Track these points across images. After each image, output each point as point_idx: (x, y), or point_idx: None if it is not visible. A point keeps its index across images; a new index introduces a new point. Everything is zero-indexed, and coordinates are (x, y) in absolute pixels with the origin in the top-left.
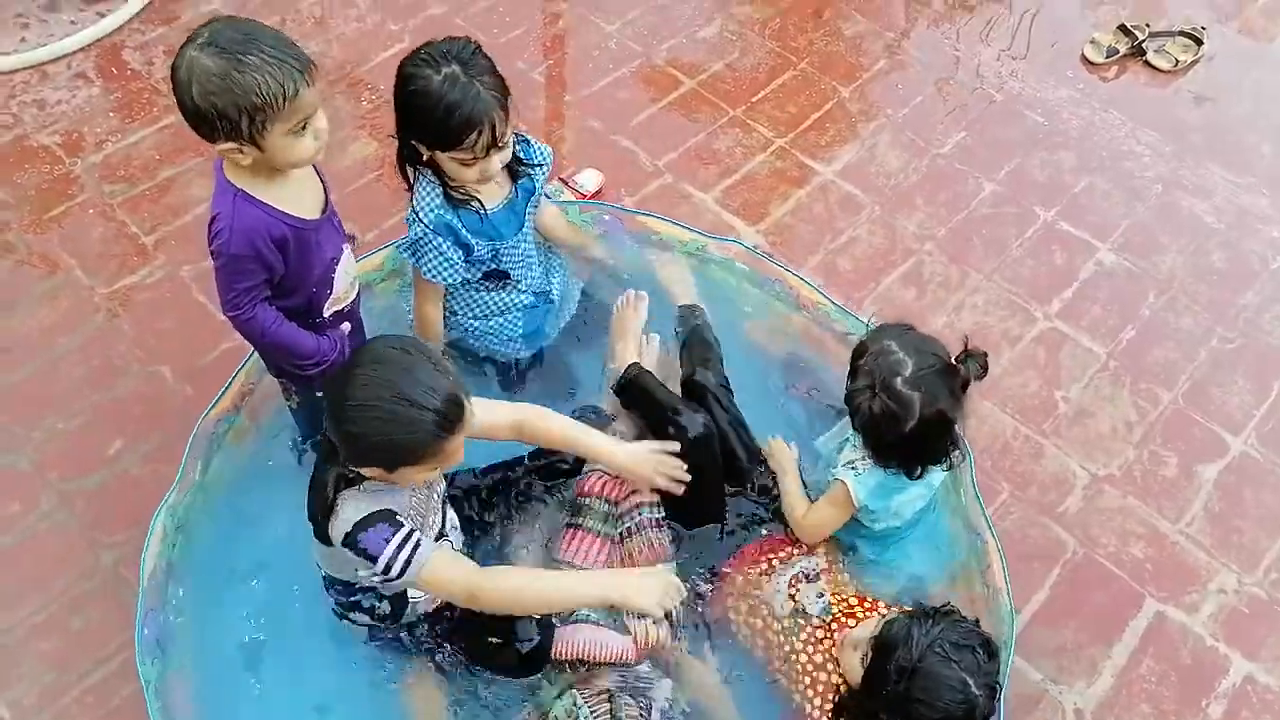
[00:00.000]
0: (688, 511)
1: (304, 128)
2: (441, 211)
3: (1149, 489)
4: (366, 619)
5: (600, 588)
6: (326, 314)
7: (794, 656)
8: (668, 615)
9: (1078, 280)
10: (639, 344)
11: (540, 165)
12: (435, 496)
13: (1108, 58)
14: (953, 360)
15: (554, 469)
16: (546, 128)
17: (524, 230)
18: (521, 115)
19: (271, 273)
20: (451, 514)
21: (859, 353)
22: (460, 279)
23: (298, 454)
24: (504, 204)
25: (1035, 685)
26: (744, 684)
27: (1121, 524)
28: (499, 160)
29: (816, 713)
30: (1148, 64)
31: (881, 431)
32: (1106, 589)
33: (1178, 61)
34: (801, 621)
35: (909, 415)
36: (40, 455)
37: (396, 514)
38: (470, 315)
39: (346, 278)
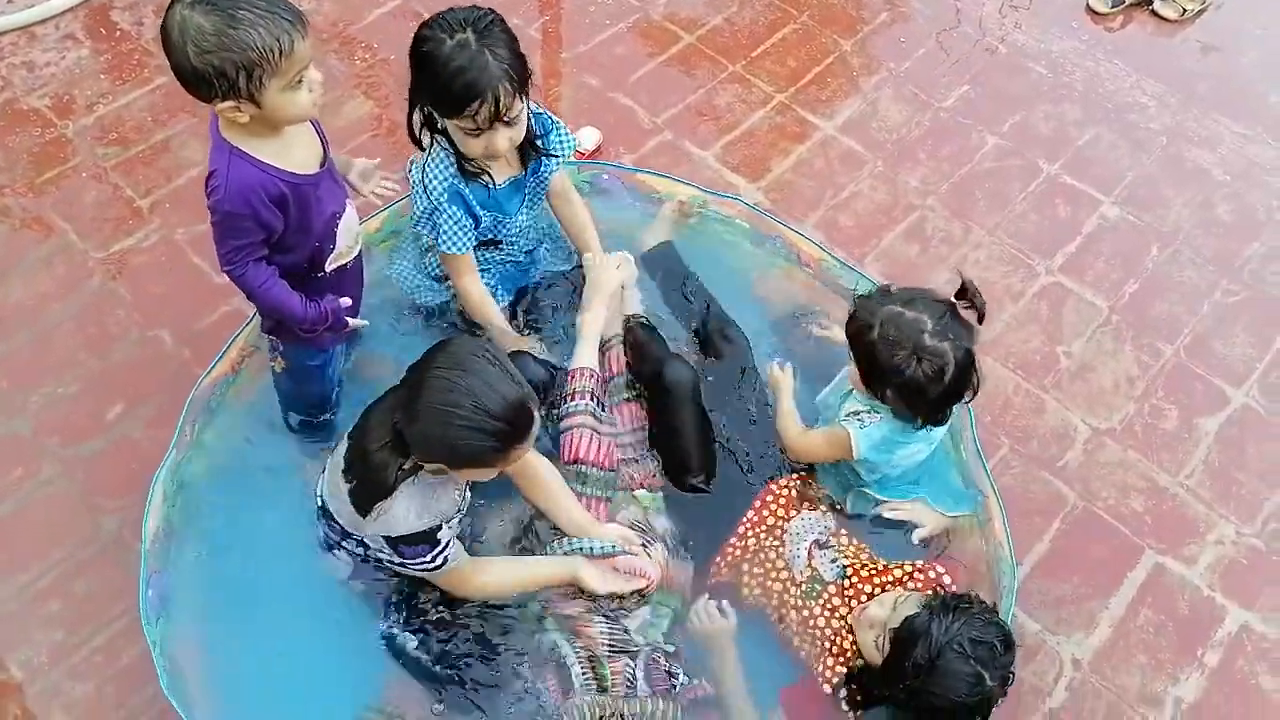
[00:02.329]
0: (677, 464)
1: (299, 82)
2: (454, 180)
3: (1150, 442)
4: (348, 557)
5: (565, 565)
6: (329, 269)
7: (812, 621)
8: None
9: (1081, 234)
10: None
11: (556, 157)
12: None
13: (1113, 7)
14: (954, 299)
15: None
16: (543, 85)
17: (528, 210)
18: None
19: (269, 231)
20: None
21: (862, 327)
22: (472, 244)
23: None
24: (509, 181)
25: (1034, 636)
26: (747, 636)
27: (1122, 477)
28: (506, 137)
29: (829, 672)
30: (1154, 13)
31: (928, 391)
32: (1106, 542)
33: (1185, 10)
34: (819, 587)
35: (949, 365)
36: (40, 421)
37: (439, 531)
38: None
39: (349, 234)
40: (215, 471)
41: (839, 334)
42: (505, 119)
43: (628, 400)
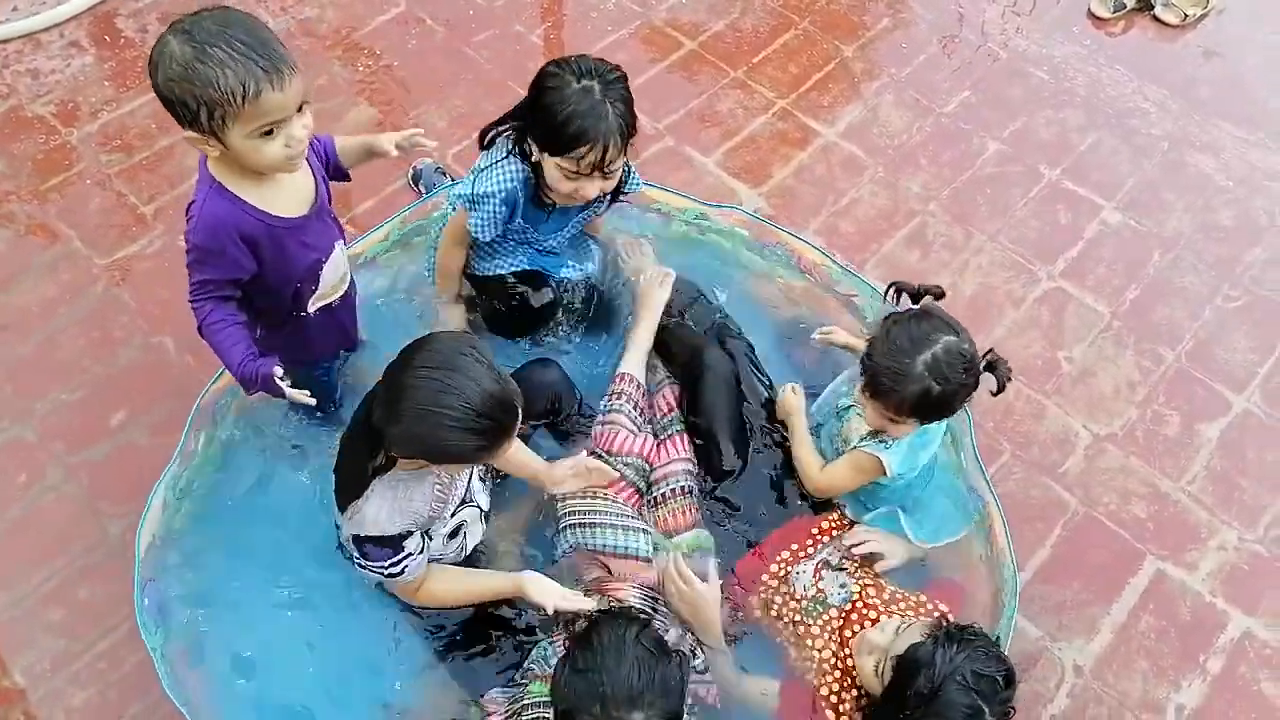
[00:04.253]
0: (709, 446)
1: (269, 132)
2: (516, 190)
3: (1151, 448)
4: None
5: (512, 579)
6: (311, 310)
7: (809, 641)
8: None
9: (1083, 240)
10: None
11: (620, 197)
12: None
13: (1115, 12)
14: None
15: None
16: None
17: (566, 236)
18: (519, 79)
19: (239, 271)
20: (474, 511)
21: (922, 392)
22: (492, 238)
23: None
24: (561, 209)
25: (1035, 642)
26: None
27: (1123, 483)
28: (598, 187)
29: (825, 689)
30: (1155, 18)
31: (960, 401)
32: (1107, 548)
33: (1186, 15)
34: (820, 609)
35: (980, 364)
36: (45, 427)
37: (407, 539)
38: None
39: (335, 274)
40: (217, 479)
41: (840, 336)
42: (605, 170)
43: (680, 433)
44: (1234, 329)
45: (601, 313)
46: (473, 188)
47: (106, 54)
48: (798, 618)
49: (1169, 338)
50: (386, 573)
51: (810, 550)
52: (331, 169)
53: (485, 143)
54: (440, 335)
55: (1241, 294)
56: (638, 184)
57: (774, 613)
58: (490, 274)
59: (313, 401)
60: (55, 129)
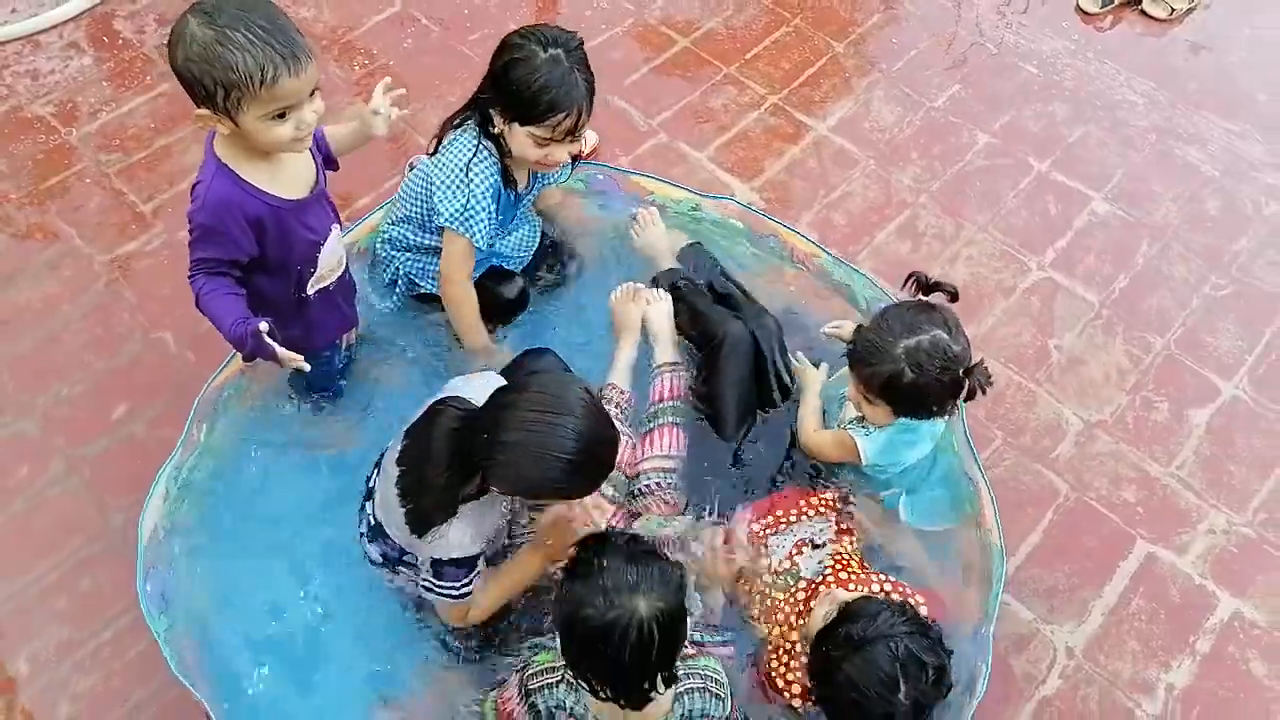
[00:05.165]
0: (717, 408)
1: (282, 116)
2: (498, 181)
3: (1140, 434)
4: (409, 573)
5: (527, 552)
6: (310, 292)
7: (775, 612)
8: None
9: (1072, 230)
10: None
11: (554, 183)
12: None
13: (1103, 7)
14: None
15: None
16: None
17: (520, 220)
18: None
19: (238, 252)
20: None
21: (892, 376)
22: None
23: (297, 408)
24: (515, 193)
25: (1027, 625)
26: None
27: (1113, 468)
28: (567, 151)
29: (781, 668)
30: (1143, 13)
31: (954, 392)
32: (1098, 532)
33: (1173, 10)
34: (790, 581)
35: (970, 360)
36: (47, 421)
37: (480, 557)
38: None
39: (332, 257)
40: (219, 471)
41: (849, 331)
42: (575, 136)
43: (671, 424)
44: (1222, 317)
45: (562, 266)
46: (465, 201)
47: (105, 55)
48: (764, 590)
49: (1158, 326)
50: (458, 593)
51: (794, 521)
52: (324, 157)
53: (442, 135)
54: (546, 375)
55: (1229, 282)
56: (565, 176)
57: (743, 582)
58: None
59: (307, 366)
60: (55, 129)
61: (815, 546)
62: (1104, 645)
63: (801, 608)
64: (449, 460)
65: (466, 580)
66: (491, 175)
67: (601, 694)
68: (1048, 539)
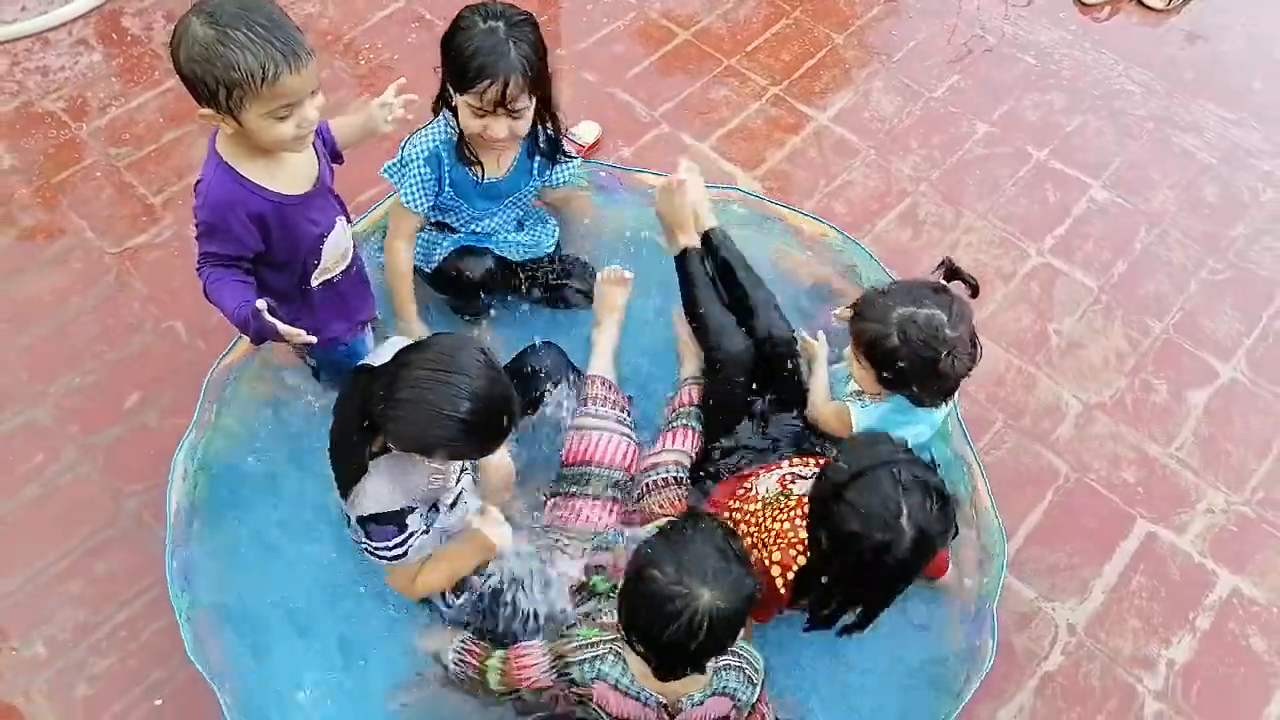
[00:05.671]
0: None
1: (285, 114)
2: (439, 148)
3: (1140, 415)
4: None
5: (473, 535)
6: (315, 284)
7: (771, 528)
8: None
9: (1070, 217)
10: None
11: (556, 184)
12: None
13: None
14: (944, 282)
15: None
16: None
17: (493, 217)
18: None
19: (243, 248)
20: (468, 479)
21: (878, 337)
22: (428, 209)
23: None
24: (490, 181)
25: (1029, 603)
26: None
27: (1113, 449)
28: (506, 127)
29: (776, 568)
30: (1140, 3)
31: (951, 377)
32: (1098, 512)
33: (1170, 0)
34: (783, 499)
35: (972, 349)
36: (60, 410)
37: (409, 515)
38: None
39: (336, 250)
40: (232, 451)
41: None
42: (510, 108)
43: (688, 427)
44: (1219, 301)
45: (564, 284)
46: (400, 157)
47: (114, 51)
48: (754, 527)
49: (1156, 310)
50: (391, 554)
51: (779, 464)
52: (330, 152)
53: (437, 113)
54: (444, 335)
55: (1226, 267)
56: (573, 180)
57: (731, 516)
58: (439, 264)
59: (313, 339)
60: (65, 124)
61: (802, 478)
62: (1105, 623)
63: (800, 512)
64: (357, 420)
65: (399, 541)
66: (432, 140)
67: (636, 649)
68: (1049, 519)
